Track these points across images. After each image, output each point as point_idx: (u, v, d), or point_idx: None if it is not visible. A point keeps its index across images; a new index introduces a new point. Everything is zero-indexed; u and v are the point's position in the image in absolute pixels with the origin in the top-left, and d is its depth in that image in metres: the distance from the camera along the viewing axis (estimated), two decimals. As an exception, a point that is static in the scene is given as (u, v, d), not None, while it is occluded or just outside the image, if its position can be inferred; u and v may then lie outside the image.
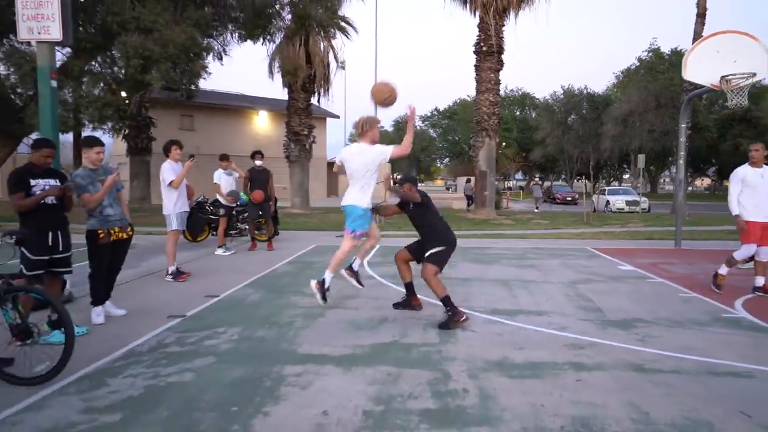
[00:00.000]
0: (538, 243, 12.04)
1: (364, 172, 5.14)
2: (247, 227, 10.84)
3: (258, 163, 10.01)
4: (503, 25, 19.52)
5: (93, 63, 17.09)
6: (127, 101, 18.20)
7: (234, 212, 10.53)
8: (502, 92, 22.96)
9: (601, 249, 10.89)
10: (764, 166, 6.34)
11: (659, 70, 40.94)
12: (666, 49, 43.79)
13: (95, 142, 5.05)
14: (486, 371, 3.84)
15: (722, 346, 4.46)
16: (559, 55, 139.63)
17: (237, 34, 19.18)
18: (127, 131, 23.27)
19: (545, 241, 12.49)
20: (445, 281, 7.10)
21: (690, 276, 7.71)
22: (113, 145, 29.91)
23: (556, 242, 12.23)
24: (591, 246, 11.43)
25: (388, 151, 5.15)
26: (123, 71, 16.12)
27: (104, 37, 14.91)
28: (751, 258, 7.28)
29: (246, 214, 10.66)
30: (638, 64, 46.05)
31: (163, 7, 14.38)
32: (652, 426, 3.00)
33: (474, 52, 19.87)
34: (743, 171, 6.41)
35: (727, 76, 8.66)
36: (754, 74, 8.59)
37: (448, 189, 68.12)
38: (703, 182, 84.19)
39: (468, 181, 29.28)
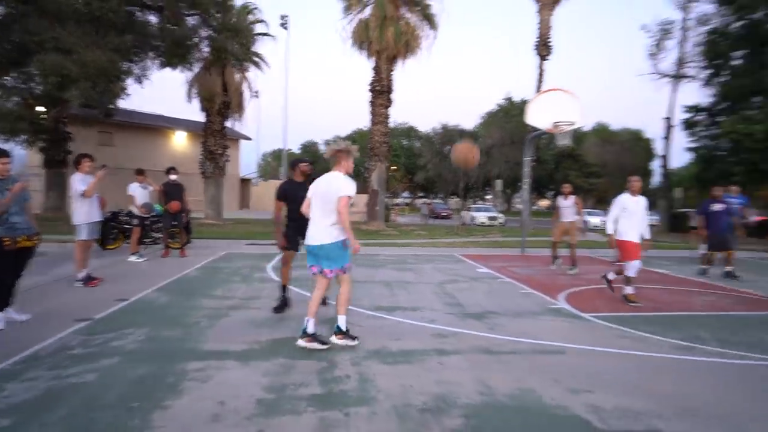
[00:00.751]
0: (416, 250, 12.45)
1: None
2: (160, 236, 10.11)
3: (172, 177, 9.42)
4: (393, 70, 20.10)
5: (7, 77, 15.11)
6: (42, 116, 16.24)
7: (147, 222, 9.78)
8: (391, 124, 23.54)
9: (465, 255, 11.50)
10: (639, 195, 6.39)
11: (513, 114, 44.45)
12: (517, 98, 47.72)
13: (1, 153, 4.48)
14: (367, 359, 3.90)
15: (548, 330, 4.90)
16: (439, 97, 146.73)
17: (157, 60, 17.96)
18: (43, 144, 20.76)
19: (423, 249, 12.95)
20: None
21: (529, 276, 8.38)
22: (28, 156, 26.51)
23: (431, 250, 12.74)
24: (458, 253, 12.04)
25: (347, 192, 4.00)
26: (40, 87, 14.42)
27: (20, 53, 13.26)
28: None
29: (160, 224, 9.95)
30: (498, 108, 49.65)
31: (83, 31, 13.10)
32: (493, 396, 3.22)
33: (369, 90, 20.25)
34: (624, 198, 6.37)
35: (557, 122, 9.62)
36: (574, 122, 9.63)
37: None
38: (544, 203, 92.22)
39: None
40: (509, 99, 48.06)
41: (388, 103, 20.13)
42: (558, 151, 47.33)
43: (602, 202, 56.70)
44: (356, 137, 65.98)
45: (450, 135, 56.38)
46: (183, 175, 10.05)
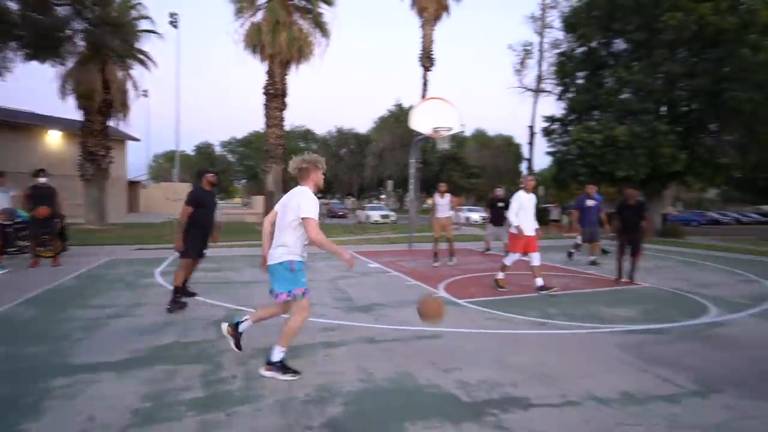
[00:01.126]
0: (312, 249, 12.27)
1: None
2: (28, 245, 8.77)
3: (42, 180, 8.22)
4: (287, 74, 19.66)
5: None
6: None
7: (10, 230, 8.43)
8: (288, 127, 23.00)
9: (358, 252, 11.64)
10: (531, 193, 6.69)
11: (402, 120, 45.96)
12: (406, 105, 49.46)
13: None
14: (254, 358, 3.77)
15: (427, 317, 5.15)
16: (335, 102, 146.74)
17: (22, 52, 15.51)
18: None
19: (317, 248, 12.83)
20: (229, 285, 6.82)
21: (414, 269, 8.73)
22: None
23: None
24: (352, 250, 12.13)
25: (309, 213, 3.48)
26: None
27: None
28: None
29: (26, 232, 8.63)
30: (389, 114, 51.04)
31: None
32: (373, 382, 3.30)
33: (263, 93, 19.58)
34: (521, 196, 6.62)
35: (436, 128, 10.16)
36: (451, 128, 10.25)
37: (245, 206, 65.47)
38: (431, 201, 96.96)
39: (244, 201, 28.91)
40: (399, 105, 49.66)
41: (283, 106, 19.66)
42: (442, 154, 50.10)
43: (482, 200, 61.31)
44: (252, 139, 63.72)
45: (345, 138, 56.81)
46: (59, 178, 8.85)
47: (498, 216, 10.46)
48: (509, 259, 6.72)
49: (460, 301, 5.93)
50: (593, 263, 9.41)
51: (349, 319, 5.04)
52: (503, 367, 3.61)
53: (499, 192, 10.72)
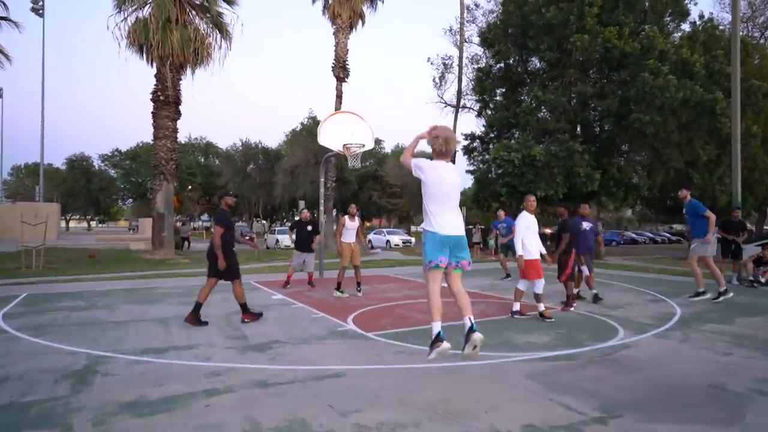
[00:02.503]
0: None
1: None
2: None
3: None
4: (180, 79, 18.90)
5: None
6: None
7: None
8: (185, 139, 22.10)
9: (262, 282, 11.31)
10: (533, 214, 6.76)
11: (315, 134, 46.02)
12: (321, 117, 49.70)
13: None
14: (115, 415, 3.45)
15: (330, 354, 5.10)
16: (239, 111, 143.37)
17: None
18: None
19: (215, 277, 12.27)
20: (96, 326, 6.28)
21: (323, 300, 8.64)
22: None
23: (226, 278, 12.15)
24: (254, 280, 11.77)
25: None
26: None
27: None
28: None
29: None
30: (301, 127, 50.82)
31: None
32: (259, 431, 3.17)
33: (152, 100, 18.62)
34: (527, 217, 6.67)
35: (347, 144, 10.30)
36: (364, 145, 10.46)
37: (131, 230, 60.86)
38: (341, 224, 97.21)
39: (183, 224, 28.24)
40: (313, 118, 49.59)
41: (176, 115, 18.83)
42: (362, 171, 50.79)
43: (404, 221, 62.82)
44: (140, 152, 59.91)
45: (252, 153, 55.55)
46: None
47: (304, 241, 10.01)
48: (539, 287, 6.81)
49: (368, 334, 5.95)
50: (598, 298, 8.35)
51: (240, 360, 4.83)
52: (406, 406, 3.65)
53: (306, 214, 10.28)
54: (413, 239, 33.98)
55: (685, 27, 22.50)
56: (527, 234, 6.71)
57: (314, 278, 10.44)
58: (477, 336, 3.85)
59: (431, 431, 3.24)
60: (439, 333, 3.94)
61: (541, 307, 6.88)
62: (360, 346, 5.47)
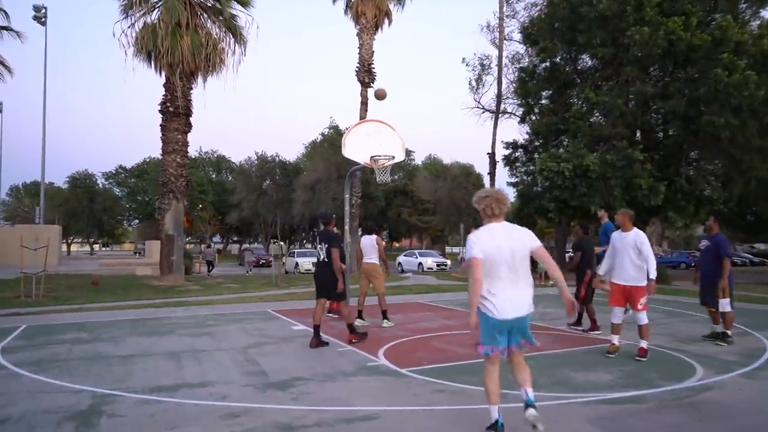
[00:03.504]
0: (221, 309, 11.90)
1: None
2: None
3: None
4: (191, 88, 19.46)
5: None
6: None
7: None
8: (196, 153, 22.75)
9: (280, 311, 11.38)
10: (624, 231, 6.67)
11: (338, 146, 46.59)
12: (343, 126, 50.29)
13: None
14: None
15: (360, 392, 5.05)
16: (254, 122, 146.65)
17: None
18: None
19: (229, 306, 12.44)
20: (100, 361, 6.42)
21: (347, 331, 8.60)
22: None
23: (241, 307, 12.31)
24: (272, 308, 11.85)
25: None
26: None
27: None
28: None
29: None
30: (322, 138, 51.53)
31: None
32: (284, 485, 3.14)
33: (160, 111, 19.21)
34: (616, 235, 6.76)
35: (375, 156, 10.35)
36: (393, 157, 10.49)
37: (137, 254, 62.42)
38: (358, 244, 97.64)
39: (208, 246, 30.02)
40: (335, 128, 50.33)
41: (186, 128, 19.37)
42: (390, 186, 51.00)
43: (438, 241, 62.51)
44: (147, 168, 61.81)
45: (268, 167, 56.56)
46: None
47: None
48: (643, 318, 6.51)
49: (402, 370, 5.89)
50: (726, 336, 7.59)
51: (260, 399, 4.84)
52: (451, 455, 3.57)
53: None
54: (449, 262, 33.70)
55: (765, 14, 21.90)
56: (612, 253, 6.81)
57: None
58: (531, 413, 3.73)
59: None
60: (497, 421, 3.81)
61: (643, 344, 6.52)
62: (393, 384, 5.40)
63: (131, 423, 4.24)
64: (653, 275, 6.41)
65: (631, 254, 6.51)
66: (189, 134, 19.65)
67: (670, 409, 4.54)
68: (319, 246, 7.72)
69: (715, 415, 4.39)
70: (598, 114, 21.77)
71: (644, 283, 6.46)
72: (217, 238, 78.91)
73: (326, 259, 7.54)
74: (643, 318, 6.50)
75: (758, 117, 18.05)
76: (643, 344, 6.45)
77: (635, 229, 6.64)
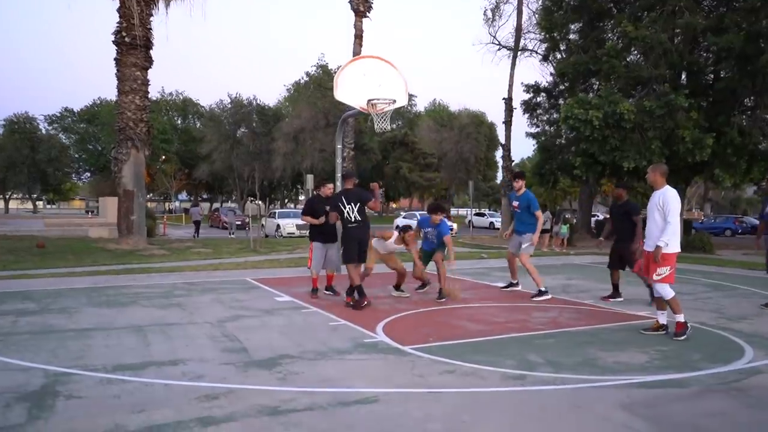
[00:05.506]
0: (192, 276, 11.97)
1: None
2: None
3: None
4: (151, 14, 19.11)
5: None
6: None
7: None
8: (156, 95, 22.42)
9: (261, 279, 11.46)
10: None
11: (328, 88, 46.11)
12: (334, 65, 49.61)
13: None
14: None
15: (357, 373, 5.13)
16: (226, 59, 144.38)
17: None
18: None
19: (201, 273, 12.51)
20: (54, 335, 6.48)
21: (342, 303, 8.69)
22: None
23: (214, 274, 12.38)
24: (252, 276, 11.93)
25: None
26: None
27: None
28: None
29: None
30: (308, 79, 50.91)
31: None
32: (272, 475, 3.21)
33: (114, 42, 18.87)
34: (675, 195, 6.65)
35: (373, 100, 10.26)
36: (395, 100, 10.40)
37: (89, 213, 62.23)
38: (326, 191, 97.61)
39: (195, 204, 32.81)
40: (323, 66, 49.71)
41: (146, 62, 19.10)
42: (387, 137, 50.79)
43: (442, 202, 62.66)
44: (99, 111, 61.09)
45: (243, 112, 56.03)
46: None
47: (328, 228, 9.17)
48: (665, 292, 6.59)
49: (405, 348, 5.97)
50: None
51: (241, 380, 4.91)
52: (464, 443, 3.64)
53: (330, 189, 9.71)
54: (455, 225, 33.86)
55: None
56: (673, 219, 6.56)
57: (335, 275, 10.08)
58: None
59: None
60: None
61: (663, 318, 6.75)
62: (395, 362, 5.48)
63: (93, 405, 4.29)
64: (662, 241, 6.43)
65: (656, 216, 6.57)
66: (149, 71, 19.39)
67: (715, 394, 4.63)
68: (348, 207, 8.24)
69: (766, 402, 4.48)
70: (636, 52, 21.51)
71: (665, 249, 6.48)
72: (183, 196, 78.83)
73: (359, 219, 8.29)
74: (664, 291, 6.54)
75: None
76: (679, 318, 6.53)
77: (666, 187, 6.66)
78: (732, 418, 4.11)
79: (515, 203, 9.58)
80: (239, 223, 37.26)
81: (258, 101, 57.09)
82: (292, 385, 4.77)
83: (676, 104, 18.46)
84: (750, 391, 4.71)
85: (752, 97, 21.09)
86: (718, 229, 37.61)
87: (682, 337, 6.42)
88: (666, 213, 6.47)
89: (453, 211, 62.87)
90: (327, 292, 9.51)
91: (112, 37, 18.80)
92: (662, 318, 6.77)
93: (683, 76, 21.50)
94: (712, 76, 21.68)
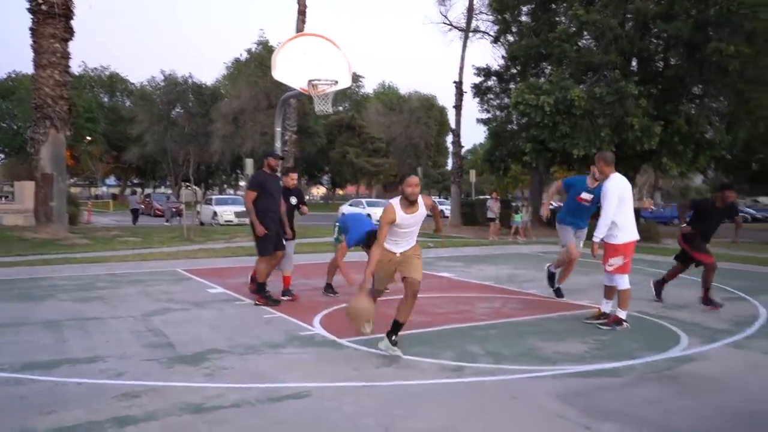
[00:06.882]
0: (117, 267, 11.71)
1: None
2: None
3: None
4: (72, -20, 18.42)
5: None
6: None
7: None
8: (79, 69, 21.66)
9: (193, 270, 11.31)
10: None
11: (269, 66, 45.51)
12: (276, 42, 48.94)
13: None
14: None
15: (290, 367, 5.15)
16: (159, 32, 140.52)
17: None
18: None
19: (127, 264, 12.26)
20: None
21: (276, 295, 8.62)
22: None
23: (142, 265, 12.15)
24: (183, 267, 11.76)
25: None
26: None
27: None
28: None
29: None
30: (248, 56, 50.11)
31: None
32: (192, 475, 3.21)
33: (30, 10, 18.13)
34: (624, 183, 6.81)
35: (314, 80, 10.22)
36: (336, 82, 10.38)
37: (2, 198, 59.54)
38: (319, 191, 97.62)
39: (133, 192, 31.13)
40: (264, 43, 48.99)
41: (66, 33, 18.46)
42: (333, 120, 50.55)
43: (390, 189, 62.98)
44: (13, 86, 58.43)
45: (178, 91, 54.79)
46: None
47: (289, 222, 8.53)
48: (616, 282, 6.81)
49: (341, 341, 6.02)
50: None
51: (165, 377, 4.86)
52: (395, 437, 3.72)
53: (293, 179, 8.86)
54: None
55: None
56: (621, 208, 6.73)
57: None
58: None
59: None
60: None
61: (622, 313, 6.86)
62: (331, 356, 5.52)
63: (-1, 405, 4.19)
64: (595, 235, 6.72)
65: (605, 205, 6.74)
66: (70, 42, 18.71)
67: (648, 382, 4.86)
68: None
69: (697, 388, 4.74)
70: (588, 36, 22.04)
71: (614, 240, 6.73)
72: (111, 180, 76.63)
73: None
74: (619, 281, 6.77)
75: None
76: (620, 313, 6.78)
77: (611, 176, 6.83)
78: (662, 406, 4.32)
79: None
80: (175, 210, 36.54)
81: (194, 79, 55.91)
82: (219, 381, 4.76)
83: (626, 91, 19.05)
84: (681, 379, 4.97)
85: (700, 86, 21.96)
86: (666, 218, 38.88)
87: (607, 329, 6.66)
88: (603, 203, 6.70)
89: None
90: (285, 296, 8.38)
91: (27, 5, 18.06)
92: (605, 307, 7.03)
93: (634, 63, 22.18)
94: (662, 63, 22.44)
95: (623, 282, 6.77)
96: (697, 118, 20.73)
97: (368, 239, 7.93)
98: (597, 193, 7.43)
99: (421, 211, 5.51)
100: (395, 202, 5.42)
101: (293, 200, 8.54)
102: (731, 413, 4.24)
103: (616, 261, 6.74)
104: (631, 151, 19.80)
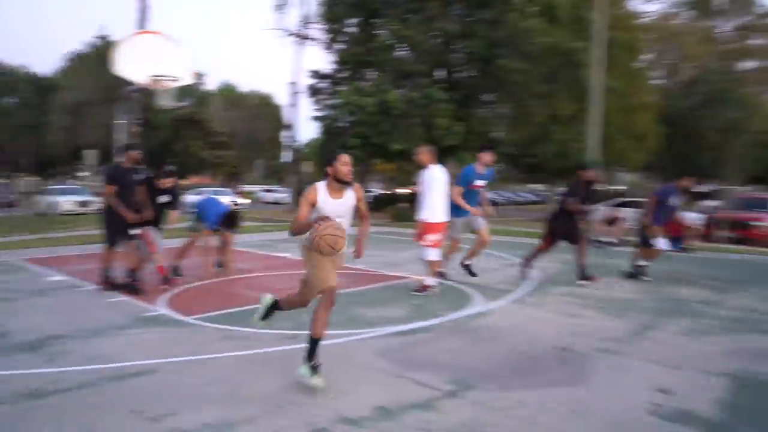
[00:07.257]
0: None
1: None
2: None
3: None
4: None
5: None
6: None
7: None
8: None
9: (32, 259, 10.12)
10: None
11: (110, 59, 41.84)
12: (118, 35, 45.01)
13: None
14: None
15: (134, 347, 4.83)
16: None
17: None
18: None
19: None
20: None
21: (124, 278, 8.05)
22: None
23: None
24: (21, 257, 10.48)
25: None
26: None
27: None
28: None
29: None
30: (89, 50, 45.66)
31: None
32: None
33: None
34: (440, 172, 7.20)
35: (155, 76, 9.55)
36: (177, 79, 9.78)
37: None
38: (165, 182, 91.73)
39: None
40: (104, 38, 44.88)
41: None
42: (177, 114, 47.56)
43: (232, 180, 60.96)
44: None
45: (11, 80, 48.68)
46: None
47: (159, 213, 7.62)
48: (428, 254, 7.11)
49: (187, 319, 5.77)
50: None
51: (2, 365, 4.33)
52: (237, 401, 3.66)
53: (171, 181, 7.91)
54: (248, 201, 33.29)
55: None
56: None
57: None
58: None
59: (269, 427, 3.30)
60: None
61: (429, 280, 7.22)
62: (176, 334, 5.28)
63: None
64: (423, 215, 7.19)
65: (424, 190, 7.22)
66: None
67: (450, 335, 5.26)
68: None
69: (488, 337, 5.20)
70: (405, 48, 22.88)
71: (428, 219, 7.15)
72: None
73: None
74: (429, 254, 7.17)
75: (543, 64, 20.77)
76: (429, 281, 7.19)
77: (431, 166, 7.25)
78: (460, 352, 4.73)
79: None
80: (10, 200, 32.65)
81: (28, 70, 49.82)
82: (61, 365, 4.34)
83: (434, 96, 20.12)
84: (476, 331, 5.43)
85: (491, 94, 23.80)
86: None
87: (421, 294, 7.05)
88: (426, 188, 7.12)
89: (247, 189, 61.56)
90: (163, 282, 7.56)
91: None
92: (429, 280, 7.38)
93: (443, 73, 23.42)
94: (464, 73, 23.93)
95: (433, 254, 7.18)
96: (488, 120, 22.52)
97: (226, 219, 7.93)
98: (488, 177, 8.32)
99: (350, 199, 4.28)
100: (321, 184, 4.20)
101: (165, 199, 7.63)
102: (515, 354, 4.72)
103: (432, 237, 7.15)
104: (438, 146, 20.97)
